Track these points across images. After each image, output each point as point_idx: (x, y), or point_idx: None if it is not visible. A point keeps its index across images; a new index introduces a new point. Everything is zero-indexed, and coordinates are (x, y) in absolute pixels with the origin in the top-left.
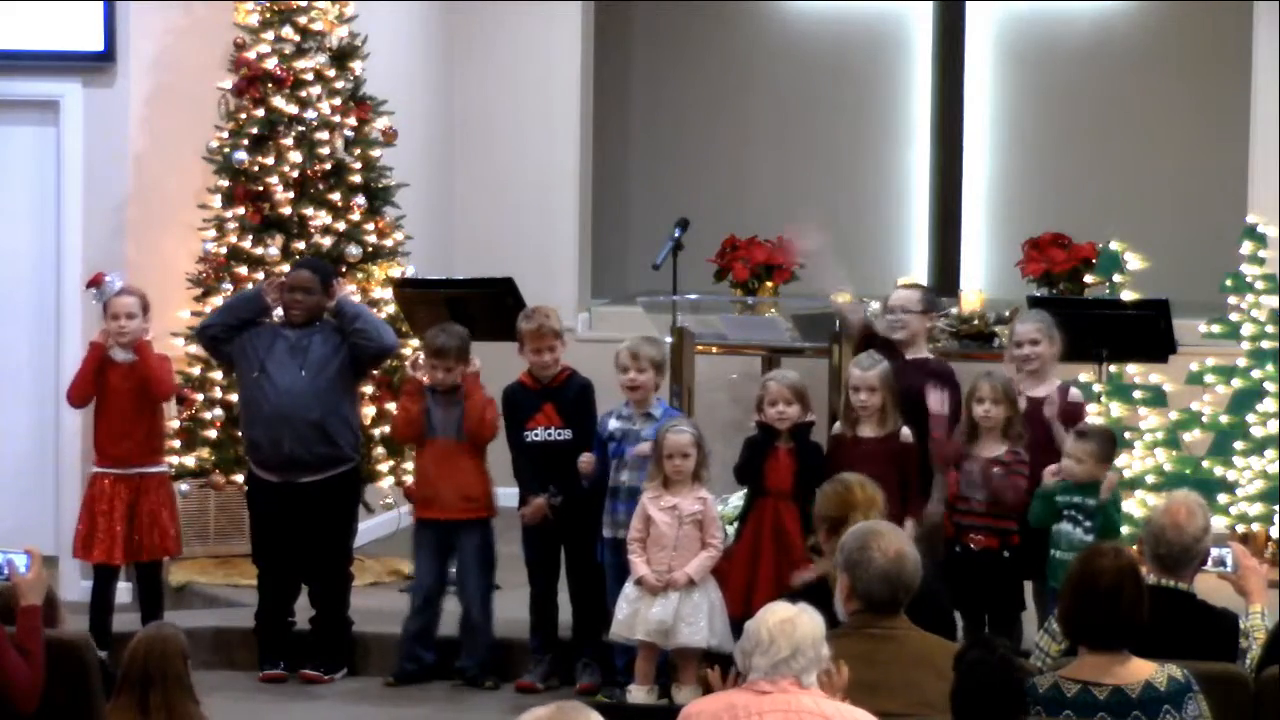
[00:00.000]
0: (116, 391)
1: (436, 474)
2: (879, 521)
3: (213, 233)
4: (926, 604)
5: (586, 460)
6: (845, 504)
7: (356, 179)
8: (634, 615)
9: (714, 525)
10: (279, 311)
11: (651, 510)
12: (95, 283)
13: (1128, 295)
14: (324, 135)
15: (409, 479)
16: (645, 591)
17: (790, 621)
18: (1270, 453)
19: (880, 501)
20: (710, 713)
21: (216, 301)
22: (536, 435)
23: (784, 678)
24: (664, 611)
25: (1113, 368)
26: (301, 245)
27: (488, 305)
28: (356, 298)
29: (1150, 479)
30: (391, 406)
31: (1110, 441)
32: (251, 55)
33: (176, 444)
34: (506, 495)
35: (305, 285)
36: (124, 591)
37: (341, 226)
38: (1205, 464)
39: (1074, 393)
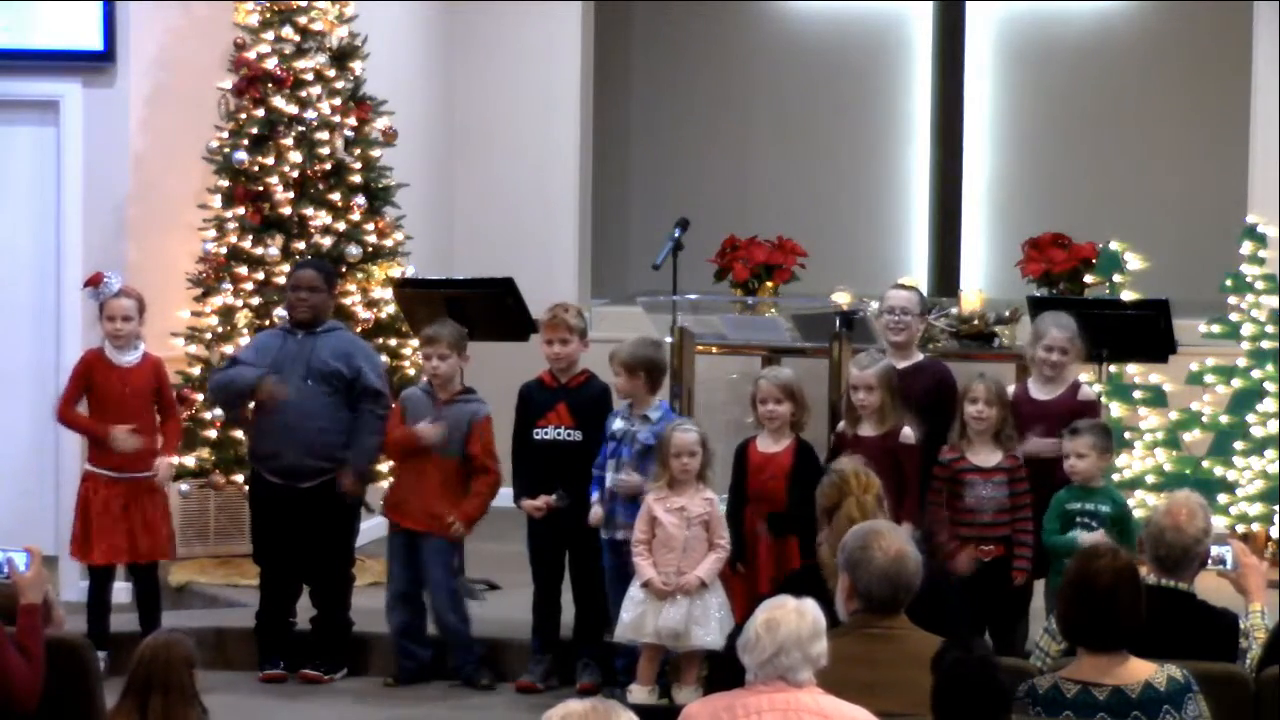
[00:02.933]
0: (113, 395)
1: (411, 483)
2: (880, 521)
3: (213, 233)
4: (937, 601)
5: (597, 515)
6: (839, 491)
7: (356, 179)
8: (642, 617)
9: (720, 526)
10: (281, 311)
11: (658, 512)
12: (94, 282)
13: (1128, 295)
14: (324, 135)
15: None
16: (652, 594)
17: (773, 620)
18: (1270, 453)
19: (876, 487)
20: (710, 713)
21: (216, 302)
22: (546, 434)
23: (773, 676)
24: (677, 616)
25: (1113, 368)
26: (301, 245)
27: (488, 305)
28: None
29: (1150, 479)
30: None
31: (1106, 432)
32: (251, 55)
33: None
34: (504, 495)
35: (310, 284)
36: (122, 592)
37: (341, 226)
38: (1205, 464)
39: (1085, 390)
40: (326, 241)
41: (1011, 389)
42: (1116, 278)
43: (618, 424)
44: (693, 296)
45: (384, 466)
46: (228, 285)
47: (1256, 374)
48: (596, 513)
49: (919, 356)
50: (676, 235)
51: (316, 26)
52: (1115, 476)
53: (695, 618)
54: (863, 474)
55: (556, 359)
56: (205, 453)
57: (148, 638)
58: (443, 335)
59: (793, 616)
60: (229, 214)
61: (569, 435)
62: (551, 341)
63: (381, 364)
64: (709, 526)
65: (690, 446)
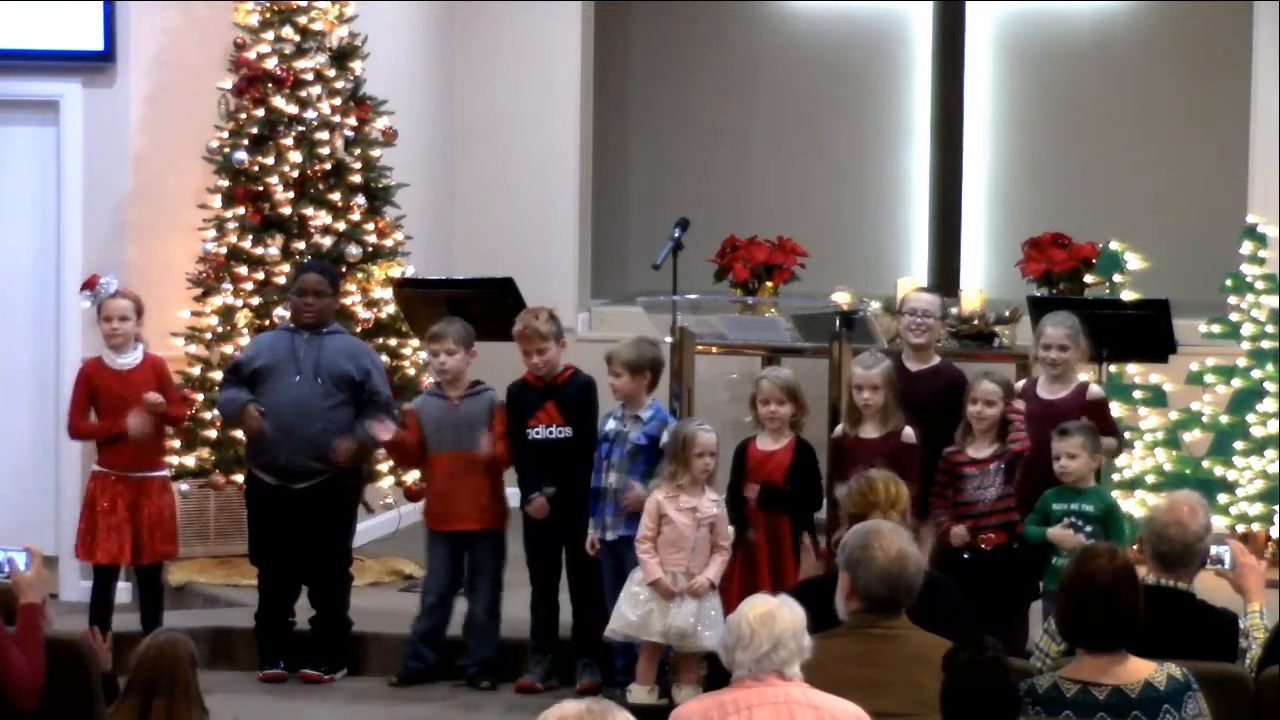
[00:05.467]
0: (117, 399)
1: (449, 488)
2: (881, 521)
3: (213, 233)
4: (941, 599)
5: (592, 544)
6: (867, 502)
7: (356, 179)
8: (648, 616)
9: (724, 527)
10: (281, 312)
11: (669, 510)
12: (89, 285)
13: (1128, 295)
14: (324, 135)
15: (409, 478)
16: (658, 594)
17: (770, 615)
18: (1270, 453)
19: (904, 501)
20: (701, 712)
21: (216, 302)
22: (538, 433)
23: (768, 672)
24: (687, 617)
25: (1113, 368)
26: (301, 245)
27: (488, 305)
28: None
29: (1150, 479)
30: None
31: (1095, 433)
32: (251, 55)
33: (176, 444)
34: (510, 495)
35: (315, 288)
36: (124, 591)
37: (341, 226)
38: (1205, 464)
39: (1094, 390)
40: (326, 241)
41: (1020, 385)
42: (1116, 278)
43: (610, 425)
44: (693, 296)
45: (384, 466)
46: (228, 285)
47: (1256, 374)
48: (592, 539)
49: (936, 360)
50: (676, 235)
51: (316, 26)
52: (1115, 476)
53: (702, 619)
54: (893, 486)
55: (537, 369)
56: (205, 453)
57: (149, 637)
58: (449, 331)
59: (785, 610)
60: (229, 214)
61: (560, 433)
62: (529, 353)
63: (384, 369)
64: (714, 528)
65: (712, 446)
